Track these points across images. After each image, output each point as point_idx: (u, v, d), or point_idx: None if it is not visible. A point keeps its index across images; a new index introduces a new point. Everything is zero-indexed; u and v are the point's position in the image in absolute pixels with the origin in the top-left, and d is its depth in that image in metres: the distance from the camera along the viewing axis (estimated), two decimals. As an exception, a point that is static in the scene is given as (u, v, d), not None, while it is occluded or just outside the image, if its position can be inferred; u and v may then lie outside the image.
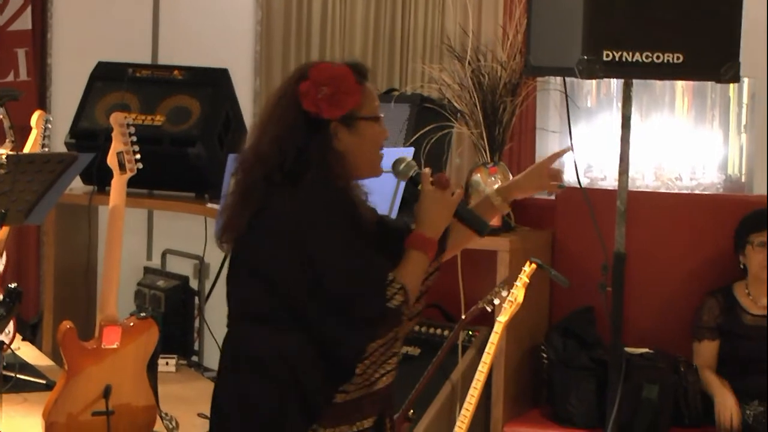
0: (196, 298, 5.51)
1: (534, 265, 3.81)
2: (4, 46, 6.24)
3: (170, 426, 4.13)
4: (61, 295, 5.17)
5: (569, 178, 5.11)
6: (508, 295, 3.78)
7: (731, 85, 5.33)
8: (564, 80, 3.62)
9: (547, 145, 5.91)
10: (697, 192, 5.38)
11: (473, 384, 3.76)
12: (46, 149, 4.66)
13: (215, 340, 4.88)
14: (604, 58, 3.21)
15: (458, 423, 3.77)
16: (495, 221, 4.27)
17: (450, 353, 4.11)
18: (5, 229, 4.54)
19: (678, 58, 3.23)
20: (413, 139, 4.40)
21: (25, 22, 6.29)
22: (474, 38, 4.49)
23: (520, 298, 3.78)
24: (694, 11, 3.26)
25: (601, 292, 3.51)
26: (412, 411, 3.96)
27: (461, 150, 5.51)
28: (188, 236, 5.56)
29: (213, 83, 5.14)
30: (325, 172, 2.40)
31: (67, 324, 3.84)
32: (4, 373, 4.21)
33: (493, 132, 4.39)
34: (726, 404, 4.02)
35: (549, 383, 4.26)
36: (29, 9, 6.29)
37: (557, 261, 4.45)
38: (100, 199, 4.71)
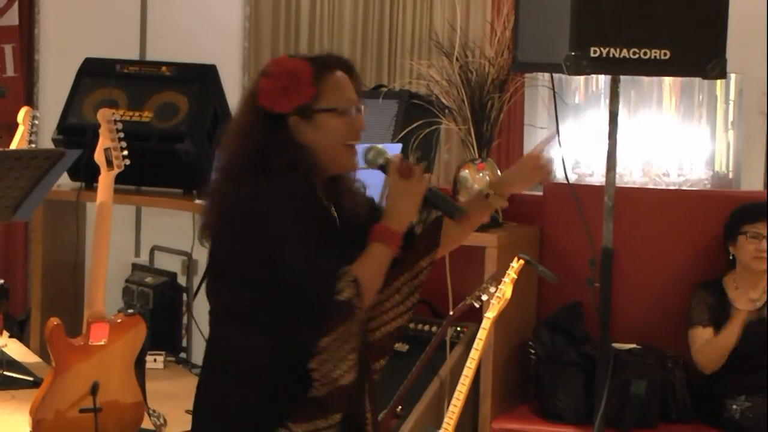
0: (185, 295, 5.51)
1: (522, 261, 3.82)
2: (-9, 42, 6.24)
3: (158, 423, 4.12)
4: (48, 291, 5.15)
5: (557, 174, 5.12)
6: (496, 291, 3.79)
7: (718, 81, 5.35)
8: (552, 76, 3.63)
9: (535, 141, 5.91)
10: (684, 188, 5.41)
11: (461, 380, 3.76)
12: (33, 145, 4.64)
13: (203, 336, 4.84)
14: (592, 55, 3.22)
15: (446, 419, 3.78)
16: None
17: (438, 349, 4.12)
18: (-8, 226, 4.53)
19: (665, 54, 3.24)
20: (401, 135, 4.40)
21: (12, 18, 6.27)
22: (462, 34, 4.49)
23: (508, 294, 3.79)
24: (681, 8, 3.27)
25: (589, 287, 3.52)
26: (400, 407, 3.96)
27: (449, 146, 5.51)
28: (176, 233, 5.55)
29: (201, 79, 5.13)
30: (287, 166, 2.39)
31: (54, 321, 3.84)
32: (-8, 370, 4.21)
33: (481, 128, 4.40)
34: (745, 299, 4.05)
35: (537, 379, 4.26)
36: (16, 5, 6.27)
37: (545, 257, 4.45)
38: (87, 196, 4.69)
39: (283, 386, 2.36)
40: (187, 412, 4.24)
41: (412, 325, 4.38)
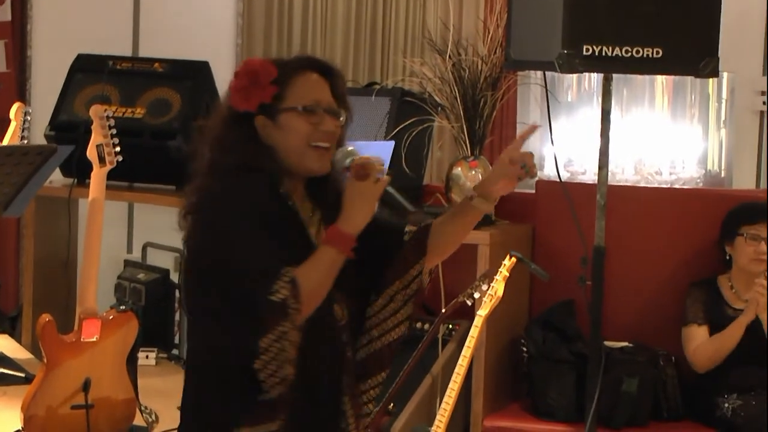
0: (177, 292, 5.50)
1: (514, 259, 3.82)
2: (-17, 38, 6.22)
3: (150, 419, 4.12)
4: (40, 287, 5.14)
5: (550, 172, 5.13)
6: (488, 289, 3.79)
7: (710, 80, 5.36)
8: (544, 74, 3.63)
9: (528, 138, 5.92)
10: (676, 186, 5.41)
11: (453, 377, 3.77)
12: (26, 141, 4.64)
13: (195, 333, 4.86)
14: (584, 53, 3.23)
15: (438, 416, 3.78)
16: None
17: (430, 347, 4.12)
18: (-16, 222, 4.52)
19: (657, 52, 3.25)
20: (394, 132, 4.40)
21: (4, 14, 6.26)
22: (455, 32, 4.49)
23: (500, 292, 3.79)
24: (673, 6, 3.28)
25: (581, 285, 3.53)
26: (392, 404, 3.96)
27: (442, 144, 5.51)
28: (169, 229, 5.48)
29: (194, 76, 5.12)
30: (244, 165, 2.38)
31: (46, 317, 3.83)
32: (-17, 366, 4.20)
33: (473, 126, 4.40)
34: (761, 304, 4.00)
35: (529, 376, 4.27)
36: (9, 0, 6.26)
37: (537, 255, 4.46)
38: (79, 192, 4.68)
39: (237, 388, 2.33)
40: (179, 408, 4.24)
41: (404, 323, 4.39)
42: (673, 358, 4.20)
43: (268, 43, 6.48)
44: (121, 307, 4.11)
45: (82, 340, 3.85)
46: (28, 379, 4.35)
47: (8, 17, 6.26)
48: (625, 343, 4.23)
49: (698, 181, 5.61)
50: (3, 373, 4.57)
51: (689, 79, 5.42)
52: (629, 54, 3.23)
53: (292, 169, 2.42)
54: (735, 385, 4.06)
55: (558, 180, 3.73)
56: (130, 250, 6.46)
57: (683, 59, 3.30)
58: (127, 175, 4.77)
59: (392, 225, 2.54)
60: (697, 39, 3.29)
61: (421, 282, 2.51)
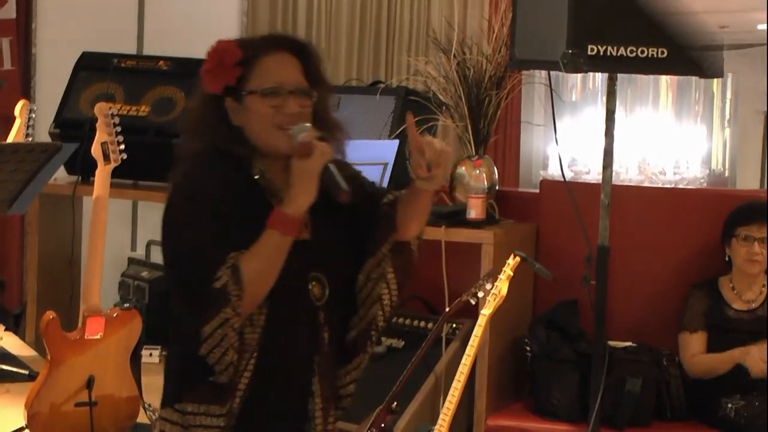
0: (180, 289, 5.50)
1: (518, 258, 3.82)
2: (-13, 35, 6.22)
3: (153, 417, 4.12)
4: (44, 285, 5.15)
5: (554, 171, 5.12)
6: (492, 288, 3.79)
7: (714, 80, 5.36)
8: (549, 74, 3.64)
9: (531, 138, 5.93)
10: (680, 186, 5.41)
11: (457, 377, 3.77)
12: (30, 139, 4.64)
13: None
14: (589, 52, 3.23)
15: (441, 415, 3.78)
16: (479, 214, 4.28)
17: (434, 346, 4.11)
18: (-12, 219, 4.53)
19: (662, 52, 3.25)
20: (398, 131, 4.40)
21: (9, 11, 6.26)
22: (459, 31, 4.49)
23: (504, 291, 3.79)
24: (678, 6, 3.27)
25: (585, 285, 3.53)
26: (395, 403, 3.96)
27: (446, 143, 5.50)
28: (172, 227, 5.54)
29: (198, 74, 5.12)
30: (216, 149, 2.40)
31: (50, 314, 3.83)
32: (-13, 363, 4.20)
33: (478, 125, 4.40)
34: (752, 355, 4.01)
35: (532, 376, 4.27)
36: (14, -2, 6.27)
37: (541, 254, 4.46)
38: (84, 190, 4.69)
39: (190, 364, 2.35)
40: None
41: (407, 322, 4.39)
42: (676, 358, 4.20)
43: (272, 41, 6.48)
44: (125, 305, 4.12)
45: (85, 337, 3.86)
46: (31, 377, 4.35)
47: (13, 15, 6.26)
48: (629, 343, 4.23)
49: (702, 181, 5.61)
50: (7, 370, 4.57)
51: (693, 79, 5.42)
52: (634, 54, 3.23)
53: (262, 150, 2.41)
54: (738, 385, 4.06)
55: (562, 179, 3.74)
56: (134, 247, 6.45)
57: (688, 59, 3.29)
58: (131, 173, 4.77)
59: (373, 191, 2.52)
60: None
61: (392, 261, 2.45)
